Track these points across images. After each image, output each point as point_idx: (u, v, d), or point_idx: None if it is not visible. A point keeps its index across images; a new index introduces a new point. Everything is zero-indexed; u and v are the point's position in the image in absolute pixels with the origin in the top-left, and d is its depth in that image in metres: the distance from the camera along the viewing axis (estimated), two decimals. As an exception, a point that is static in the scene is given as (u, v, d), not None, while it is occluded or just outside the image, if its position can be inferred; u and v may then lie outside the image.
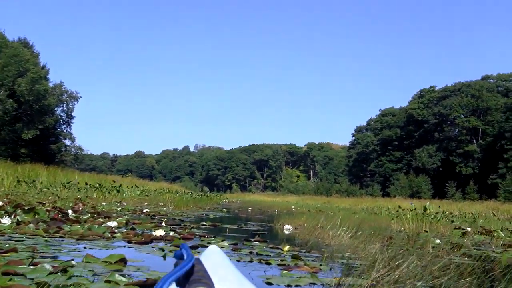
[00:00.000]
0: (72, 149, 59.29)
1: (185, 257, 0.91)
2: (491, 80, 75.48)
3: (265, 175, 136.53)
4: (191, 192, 32.94)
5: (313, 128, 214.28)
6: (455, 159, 68.78)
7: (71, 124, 56.27)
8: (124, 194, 17.41)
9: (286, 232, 7.74)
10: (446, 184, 63.87)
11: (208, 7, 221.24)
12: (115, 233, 4.89)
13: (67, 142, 57.26)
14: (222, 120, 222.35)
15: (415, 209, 11.43)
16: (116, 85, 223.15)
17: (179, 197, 19.53)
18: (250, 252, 4.53)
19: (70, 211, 6.73)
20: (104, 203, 11.93)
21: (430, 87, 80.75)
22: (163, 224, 6.57)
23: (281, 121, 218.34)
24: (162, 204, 15.40)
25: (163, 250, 4.17)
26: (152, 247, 4.35)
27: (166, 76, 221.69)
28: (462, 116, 70.19)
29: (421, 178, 65.98)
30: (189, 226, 7.00)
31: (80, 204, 10.40)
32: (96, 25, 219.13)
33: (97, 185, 17.94)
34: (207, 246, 1.11)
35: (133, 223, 6.33)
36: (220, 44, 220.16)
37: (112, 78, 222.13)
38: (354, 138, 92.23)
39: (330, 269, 3.72)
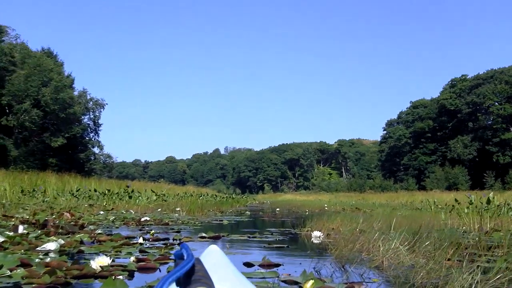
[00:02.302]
0: (101, 157, 58.81)
1: (185, 257, 0.87)
2: (525, 66, 72.43)
3: (296, 175, 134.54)
4: (215, 195, 31.24)
5: (342, 125, 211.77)
6: (491, 148, 66.48)
7: (99, 132, 56.16)
8: (137, 200, 15.73)
9: (315, 242, 5.70)
10: (484, 174, 61.64)
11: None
12: (20, 266, 2.94)
13: (96, 150, 56.88)
14: (251, 121, 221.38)
15: (473, 202, 9.43)
16: (142, 90, 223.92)
17: (194, 200, 17.75)
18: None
19: (21, 227, 4.96)
20: (101, 212, 10.19)
21: (462, 76, 78.29)
22: (140, 240, 4.69)
23: (310, 119, 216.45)
24: (179, 209, 13.67)
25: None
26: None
27: (193, 79, 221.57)
28: (496, 104, 67.74)
29: (458, 169, 63.75)
30: (177, 241, 5.00)
31: (68, 215, 8.68)
32: (119, 31, 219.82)
33: (106, 191, 16.28)
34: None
35: (97, 241, 4.48)
36: (244, 46, 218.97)
37: (137, 84, 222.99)
38: (385, 132, 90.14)
39: None
